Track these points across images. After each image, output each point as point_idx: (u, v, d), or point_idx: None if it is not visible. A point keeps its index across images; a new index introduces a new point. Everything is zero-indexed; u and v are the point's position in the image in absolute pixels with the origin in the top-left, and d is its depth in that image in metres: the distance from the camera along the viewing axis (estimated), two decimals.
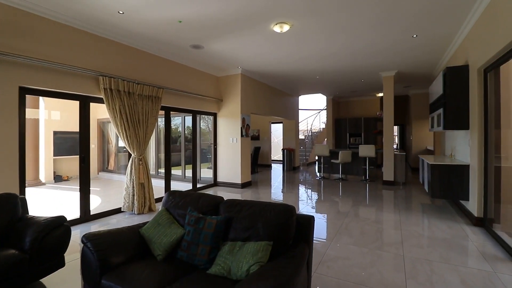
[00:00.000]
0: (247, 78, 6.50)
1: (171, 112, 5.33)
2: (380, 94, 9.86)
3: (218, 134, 6.60)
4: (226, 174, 6.47)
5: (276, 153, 12.56)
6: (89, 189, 4.01)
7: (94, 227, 3.76)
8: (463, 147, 4.40)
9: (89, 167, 3.98)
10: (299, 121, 12.17)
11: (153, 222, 2.11)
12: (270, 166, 10.83)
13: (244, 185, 6.40)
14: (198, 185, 6.23)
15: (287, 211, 1.85)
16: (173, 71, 5.23)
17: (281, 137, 10.41)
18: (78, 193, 3.91)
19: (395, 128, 10.86)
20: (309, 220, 1.94)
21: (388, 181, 6.76)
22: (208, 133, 6.89)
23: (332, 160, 7.68)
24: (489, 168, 3.50)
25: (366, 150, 7.15)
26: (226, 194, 5.71)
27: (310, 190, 6.32)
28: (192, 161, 6.00)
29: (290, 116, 9.49)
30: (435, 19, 3.76)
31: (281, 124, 10.53)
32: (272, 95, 8.01)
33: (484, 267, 2.53)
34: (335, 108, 11.14)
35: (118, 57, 4.24)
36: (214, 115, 6.60)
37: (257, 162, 9.24)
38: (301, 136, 13.03)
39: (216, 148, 6.62)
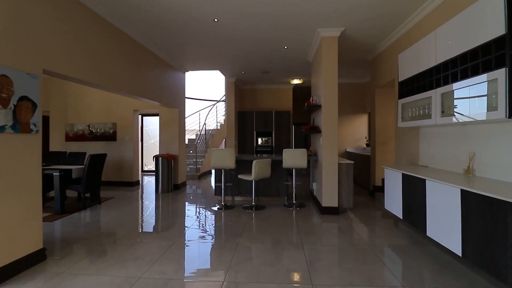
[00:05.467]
0: None
1: None
2: (296, 81, 7.50)
3: None
4: None
5: (152, 161, 8.40)
6: None
7: None
8: None
9: None
10: (189, 114, 8.51)
11: None
12: (138, 184, 6.68)
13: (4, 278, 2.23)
14: None
15: None
16: None
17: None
18: None
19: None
20: None
21: (329, 208, 4.14)
22: None
23: (240, 176, 4.48)
24: None
25: (296, 158, 4.33)
26: None
27: (196, 260, 2.84)
28: None
29: (170, 102, 5.73)
30: None
31: (158, 117, 6.57)
32: (128, 55, 4.07)
33: None
34: (238, 97, 8.12)
35: None
36: None
37: (100, 183, 4.90)
38: (191, 136, 9.42)
39: None
